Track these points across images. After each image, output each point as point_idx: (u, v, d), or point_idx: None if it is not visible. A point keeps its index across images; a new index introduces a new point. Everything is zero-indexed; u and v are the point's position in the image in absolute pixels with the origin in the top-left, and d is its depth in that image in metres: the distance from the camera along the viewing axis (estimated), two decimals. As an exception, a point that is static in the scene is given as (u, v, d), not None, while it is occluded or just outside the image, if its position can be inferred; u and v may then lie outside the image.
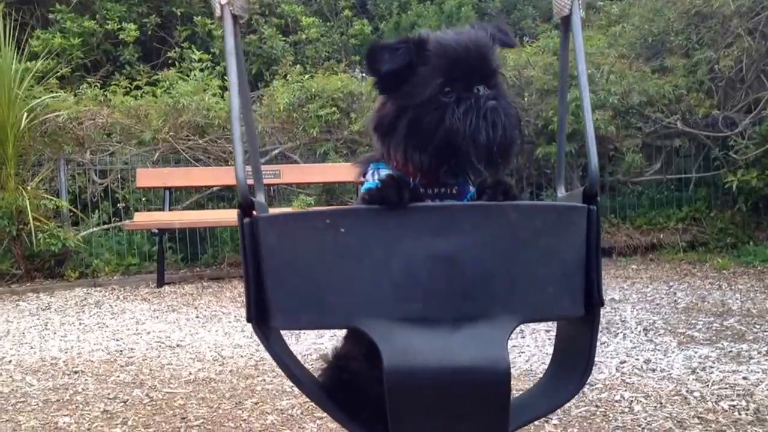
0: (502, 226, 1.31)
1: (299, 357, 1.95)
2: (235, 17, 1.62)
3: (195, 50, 9.50)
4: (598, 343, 1.56)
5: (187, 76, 8.96)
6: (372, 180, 1.53)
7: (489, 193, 1.44)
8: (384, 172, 1.49)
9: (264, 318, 1.44)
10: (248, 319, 1.45)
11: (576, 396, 3.22)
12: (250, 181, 1.60)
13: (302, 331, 4.55)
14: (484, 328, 1.26)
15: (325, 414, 3.20)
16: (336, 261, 1.32)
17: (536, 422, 3.06)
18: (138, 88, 8.86)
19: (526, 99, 7.62)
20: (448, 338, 1.25)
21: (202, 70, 9.04)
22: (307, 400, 3.37)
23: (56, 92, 8.32)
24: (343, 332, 1.72)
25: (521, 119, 1.53)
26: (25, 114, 7.55)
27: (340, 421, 1.57)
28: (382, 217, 1.31)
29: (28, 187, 7.43)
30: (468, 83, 1.44)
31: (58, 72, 8.75)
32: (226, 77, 8.70)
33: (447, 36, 1.51)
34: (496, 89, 1.48)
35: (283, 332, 1.67)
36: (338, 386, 1.57)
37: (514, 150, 1.47)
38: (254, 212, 1.46)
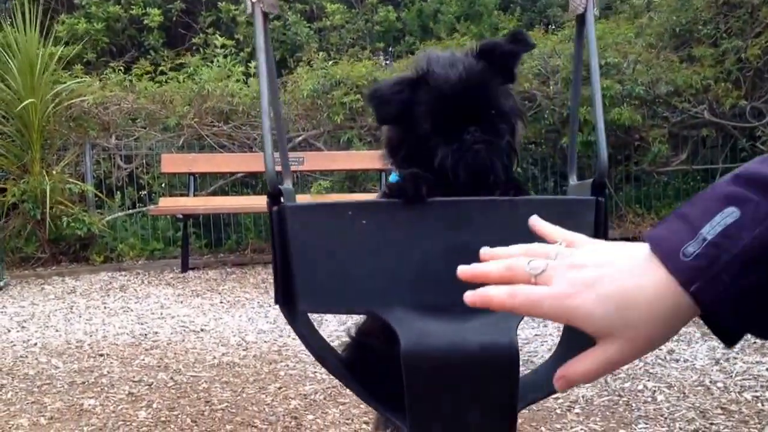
0: (513, 220, 1.35)
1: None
2: (265, 14, 1.66)
3: (218, 37, 9.49)
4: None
5: (211, 62, 8.97)
6: (396, 174, 1.58)
7: (501, 189, 1.48)
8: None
9: (290, 301, 1.48)
10: (276, 302, 1.52)
11: (599, 385, 3.22)
12: (278, 167, 1.64)
13: (324, 318, 4.56)
14: (494, 317, 1.29)
15: (347, 399, 3.23)
16: (357, 250, 1.39)
17: (559, 411, 3.06)
18: (162, 73, 8.89)
19: (551, 88, 7.57)
20: (462, 324, 1.31)
21: (225, 56, 9.05)
22: (330, 385, 3.42)
23: (81, 77, 8.36)
24: None
25: (514, 153, 1.56)
26: (51, 99, 7.60)
27: (362, 397, 1.63)
28: (401, 210, 1.38)
29: (54, 172, 7.49)
30: (457, 126, 1.48)
31: (83, 57, 8.79)
32: (249, 64, 8.79)
33: (441, 73, 1.51)
34: (491, 125, 1.49)
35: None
36: (358, 361, 1.63)
37: (500, 185, 1.50)
38: (282, 200, 1.51)
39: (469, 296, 0.82)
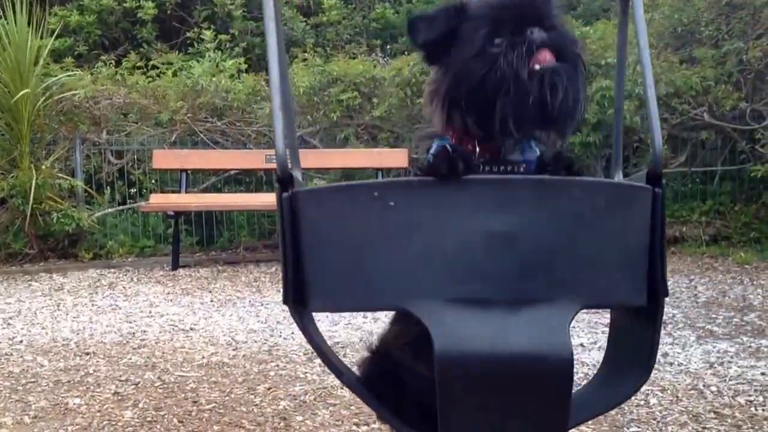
0: (565, 203, 1.21)
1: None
2: None
3: (205, 31, 9.35)
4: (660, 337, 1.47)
5: (203, 56, 8.88)
6: (437, 142, 1.43)
7: (551, 167, 1.33)
8: (444, 143, 1.38)
9: (302, 300, 1.33)
10: (284, 301, 1.35)
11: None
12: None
13: (318, 319, 4.47)
14: (544, 312, 1.16)
15: (337, 401, 3.16)
16: (384, 237, 1.22)
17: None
18: (154, 67, 8.79)
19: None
20: (505, 322, 1.17)
21: (218, 49, 8.96)
22: (320, 386, 3.34)
23: (73, 70, 8.26)
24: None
25: (584, 65, 1.39)
26: (41, 92, 7.49)
27: (383, 416, 1.49)
28: (435, 190, 1.21)
29: (43, 167, 7.38)
30: (518, 27, 1.32)
31: (75, 50, 8.69)
32: (241, 59, 8.69)
33: None
34: (553, 31, 1.35)
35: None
36: (380, 376, 1.48)
37: (573, 105, 1.33)
38: (293, 185, 1.35)
39: None
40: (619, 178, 1.69)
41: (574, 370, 1.20)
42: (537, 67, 1.29)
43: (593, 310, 4.41)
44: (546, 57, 1.30)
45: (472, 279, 1.17)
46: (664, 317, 4.41)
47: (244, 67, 8.62)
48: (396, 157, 7.30)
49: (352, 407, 3.06)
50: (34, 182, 7.01)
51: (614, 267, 1.18)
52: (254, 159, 7.48)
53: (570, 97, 1.31)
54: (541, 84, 1.28)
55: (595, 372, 1.83)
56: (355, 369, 1.59)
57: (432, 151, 1.39)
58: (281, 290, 1.37)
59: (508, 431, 1.21)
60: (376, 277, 1.23)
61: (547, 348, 1.15)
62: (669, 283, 5.45)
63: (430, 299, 1.18)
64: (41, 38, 7.78)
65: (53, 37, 8.18)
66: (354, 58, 8.69)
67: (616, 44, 1.80)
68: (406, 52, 8.91)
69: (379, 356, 1.56)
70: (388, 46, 10.43)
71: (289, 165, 1.39)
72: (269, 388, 3.41)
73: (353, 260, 1.25)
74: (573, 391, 1.65)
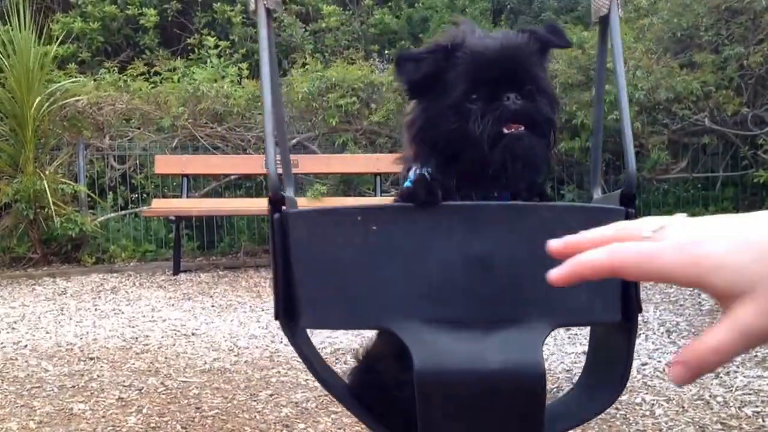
0: (537, 227, 1.26)
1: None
2: (268, 11, 1.57)
3: (209, 38, 9.40)
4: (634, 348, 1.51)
5: (205, 63, 8.92)
6: (414, 173, 1.47)
7: (524, 195, 1.40)
8: (423, 171, 1.43)
9: (292, 316, 1.39)
10: (276, 317, 1.40)
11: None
12: (280, 171, 1.55)
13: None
14: (518, 332, 1.21)
15: (339, 408, 3.16)
16: (367, 259, 1.28)
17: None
18: (157, 74, 8.83)
19: (550, 92, 7.52)
20: (481, 341, 1.21)
21: (219, 56, 9.00)
22: (322, 393, 3.35)
23: (76, 77, 8.29)
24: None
25: (556, 125, 1.44)
26: (45, 98, 7.53)
27: (369, 425, 1.53)
28: (414, 215, 1.27)
29: (47, 172, 7.42)
30: (495, 92, 1.37)
31: (78, 57, 8.73)
32: (241, 65, 8.73)
33: (479, 39, 1.43)
34: (530, 96, 1.39)
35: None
36: (366, 387, 1.53)
37: (532, 173, 1.40)
38: (284, 207, 1.41)
39: (555, 245, 0.71)
40: (597, 195, 1.75)
41: (549, 382, 1.24)
42: (505, 131, 1.35)
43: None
44: (515, 126, 1.36)
45: (449, 300, 1.22)
46: (668, 325, 4.46)
47: (246, 73, 8.66)
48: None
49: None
50: (38, 187, 7.05)
51: (586, 287, 1.23)
52: (254, 164, 7.51)
53: (531, 165, 1.38)
54: (503, 152, 1.34)
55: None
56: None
57: (411, 177, 1.44)
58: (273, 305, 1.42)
59: None
60: (360, 298, 1.29)
61: (521, 367, 1.19)
62: (672, 290, 5.46)
63: (409, 319, 1.23)
64: (45, 45, 7.83)
65: (57, 44, 8.23)
66: (352, 64, 8.72)
67: (596, 67, 1.87)
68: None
69: (366, 366, 1.61)
70: (386, 52, 10.47)
71: (282, 185, 1.46)
72: (271, 395, 3.43)
73: (338, 280, 1.30)
74: (558, 399, 1.71)
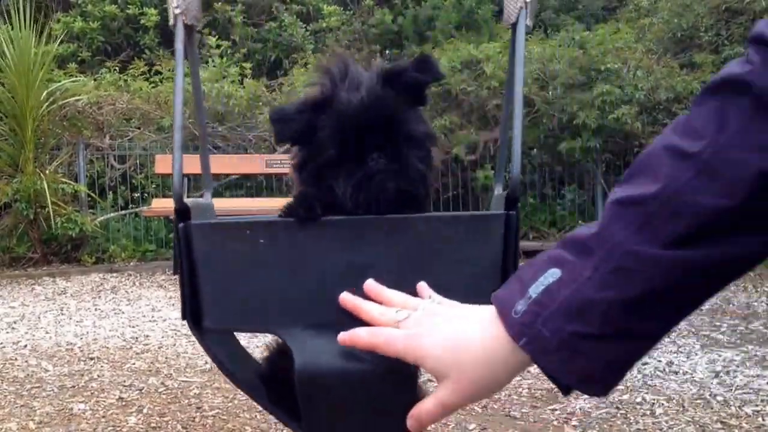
0: (412, 238, 1.39)
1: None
2: (188, 27, 1.66)
3: (210, 38, 9.42)
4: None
5: (206, 63, 8.92)
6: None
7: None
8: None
9: (196, 318, 1.48)
10: (183, 317, 1.50)
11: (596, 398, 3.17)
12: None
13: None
14: None
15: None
16: (254, 269, 1.40)
17: (556, 423, 3.01)
18: (157, 73, 8.83)
19: (550, 93, 7.54)
20: None
21: (221, 56, 9.00)
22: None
23: (76, 76, 8.29)
24: None
25: (424, 177, 1.49)
26: (45, 98, 7.54)
27: (270, 412, 1.67)
28: (297, 229, 1.40)
29: (47, 171, 7.42)
30: (361, 150, 1.44)
31: (78, 56, 8.74)
32: (245, 64, 8.75)
33: (345, 94, 1.46)
34: (398, 149, 1.44)
35: None
36: (272, 377, 1.63)
37: (406, 205, 1.45)
38: (190, 215, 1.51)
39: (341, 337, 0.98)
40: (498, 191, 1.83)
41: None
42: (370, 190, 1.42)
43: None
44: (380, 186, 1.42)
45: (328, 306, 1.29)
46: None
47: (248, 72, 8.66)
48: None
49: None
50: (37, 187, 7.05)
51: (462, 289, 1.27)
52: (254, 164, 7.51)
53: (400, 207, 1.43)
54: (368, 207, 1.42)
55: None
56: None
57: (294, 194, 1.53)
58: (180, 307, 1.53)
59: None
60: (250, 304, 1.41)
61: (391, 366, 1.24)
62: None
63: (292, 324, 1.38)
64: (45, 44, 7.83)
65: (57, 43, 8.23)
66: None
67: (508, 69, 1.89)
68: (405, 57, 8.93)
69: (268, 358, 1.72)
70: (387, 51, 10.47)
71: (185, 197, 1.55)
72: (272, 394, 3.43)
73: (232, 287, 1.42)
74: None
